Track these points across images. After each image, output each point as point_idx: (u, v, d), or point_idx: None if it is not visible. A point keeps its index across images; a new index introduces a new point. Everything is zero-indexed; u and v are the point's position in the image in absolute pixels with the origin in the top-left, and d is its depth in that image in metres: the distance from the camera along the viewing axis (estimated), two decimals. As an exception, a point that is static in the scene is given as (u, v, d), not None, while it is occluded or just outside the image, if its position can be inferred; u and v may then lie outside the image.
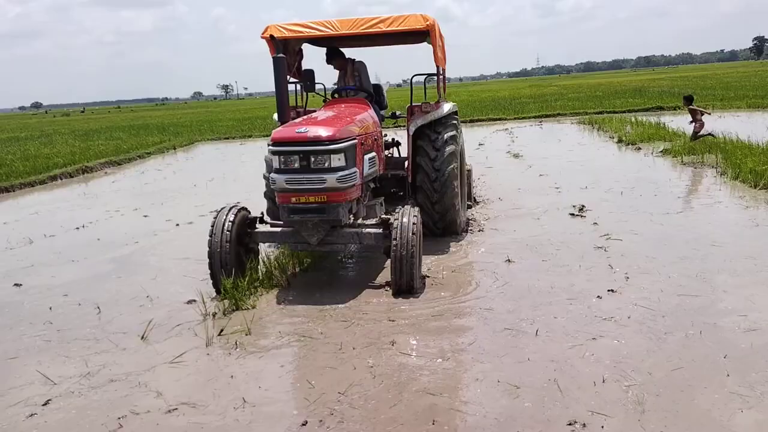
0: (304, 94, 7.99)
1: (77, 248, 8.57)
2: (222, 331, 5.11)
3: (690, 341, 4.46)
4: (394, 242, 5.51)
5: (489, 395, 3.86)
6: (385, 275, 6.29)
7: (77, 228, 9.89)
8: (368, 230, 5.90)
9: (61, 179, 16.55)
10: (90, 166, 18.29)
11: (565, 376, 4.03)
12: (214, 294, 5.99)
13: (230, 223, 5.88)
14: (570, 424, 3.48)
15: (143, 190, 14.14)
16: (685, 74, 71.05)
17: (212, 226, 5.90)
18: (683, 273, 5.92)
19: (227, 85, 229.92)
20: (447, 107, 7.62)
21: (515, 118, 27.15)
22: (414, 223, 5.61)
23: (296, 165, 5.59)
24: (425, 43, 7.88)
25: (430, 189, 7.16)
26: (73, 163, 18.39)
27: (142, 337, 5.12)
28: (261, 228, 6.22)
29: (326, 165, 5.58)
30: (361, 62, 7.77)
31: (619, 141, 16.48)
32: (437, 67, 7.60)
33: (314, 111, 7.17)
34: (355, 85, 7.71)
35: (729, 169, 10.61)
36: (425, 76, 8.17)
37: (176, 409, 3.93)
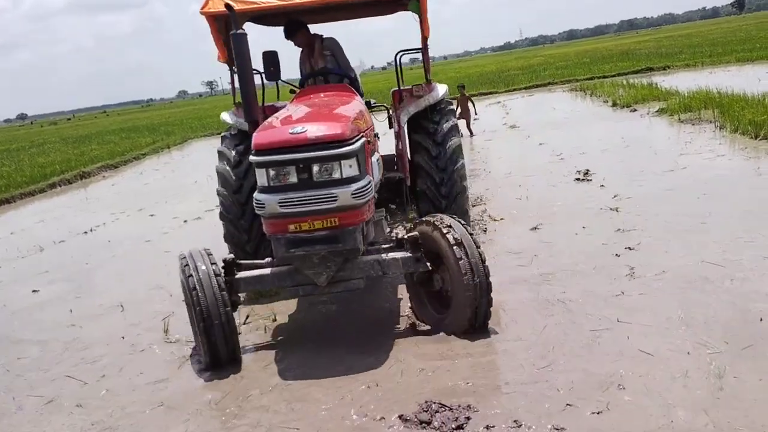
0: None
1: (89, 251, 8.59)
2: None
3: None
4: (462, 267, 4.15)
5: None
6: (389, 299, 5.33)
7: (85, 232, 9.91)
8: (393, 255, 4.48)
9: (60, 186, 16.51)
10: (87, 171, 18.24)
11: None
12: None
13: (218, 278, 4.23)
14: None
15: (144, 190, 14.13)
16: (669, 34, 70.85)
17: (192, 290, 4.14)
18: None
19: (212, 81, 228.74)
20: (441, 89, 6.08)
21: (506, 91, 27.09)
22: (472, 234, 4.36)
23: (293, 179, 4.06)
24: (404, 12, 6.19)
25: (437, 195, 5.66)
26: (70, 169, 18.33)
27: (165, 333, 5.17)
28: (244, 273, 4.53)
29: (335, 175, 4.07)
30: (332, 39, 6.11)
31: (614, 104, 16.51)
32: (424, 40, 5.88)
33: (283, 106, 5.57)
34: (326, 67, 6.04)
35: (728, 123, 10.66)
36: (415, 51, 6.15)
37: None
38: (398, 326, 4.78)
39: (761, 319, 4.01)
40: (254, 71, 5.26)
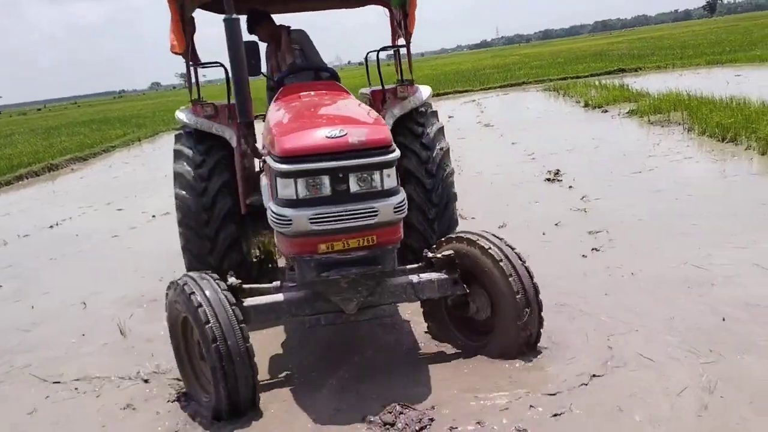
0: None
1: (55, 246, 8.43)
2: None
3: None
4: (514, 285, 3.74)
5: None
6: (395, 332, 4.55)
7: (51, 226, 9.71)
8: (427, 277, 3.96)
9: (28, 178, 16.17)
10: (55, 164, 17.90)
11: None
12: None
13: (234, 308, 3.50)
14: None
15: (113, 183, 13.91)
16: (641, 36, 71.80)
17: (204, 323, 3.39)
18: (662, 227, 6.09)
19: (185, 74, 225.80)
20: (426, 91, 5.63)
21: (481, 89, 27.22)
22: (514, 249, 3.92)
23: (326, 191, 3.48)
24: (382, 5, 5.89)
25: (427, 202, 5.13)
26: (38, 161, 17.96)
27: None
28: (253, 300, 3.77)
29: (376, 187, 3.55)
30: (300, 31, 5.64)
31: (586, 105, 16.68)
32: (408, 36, 5.48)
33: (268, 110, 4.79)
34: (300, 62, 5.54)
35: (696, 125, 10.84)
36: (394, 48, 5.79)
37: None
38: (423, 351, 4.22)
39: (723, 319, 4.11)
40: (218, 64, 5.16)
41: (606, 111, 15.11)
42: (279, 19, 5.93)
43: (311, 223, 3.46)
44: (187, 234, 4.94)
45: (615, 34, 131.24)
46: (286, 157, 3.50)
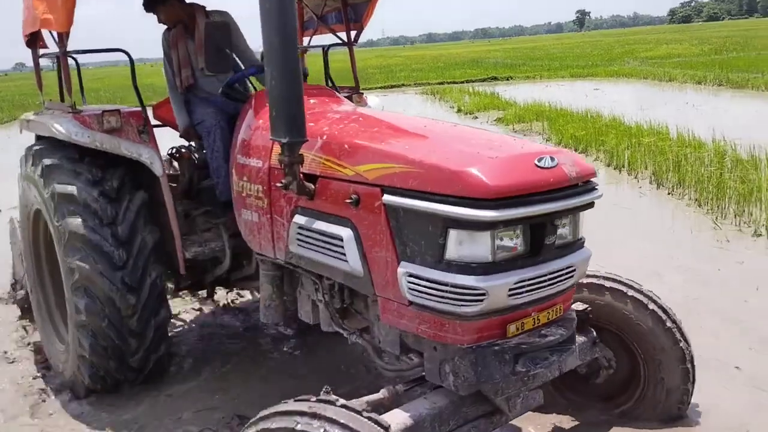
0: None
1: None
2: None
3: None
4: (675, 337, 3.15)
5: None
6: None
7: None
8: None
9: None
10: None
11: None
12: None
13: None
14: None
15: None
16: (516, 46, 75.54)
17: None
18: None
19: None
20: (375, 100, 5.01)
21: (363, 90, 27.46)
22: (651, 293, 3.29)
23: (524, 246, 2.47)
24: None
25: None
26: None
27: None
28: (394, 417, 2.45)
29: (569, 236, 2.66)
30: (224, 12, 4.29)
31: (459, 110, 17.42)
32: (360, 31, 4.74)
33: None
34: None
35: (554, 135, 11.65)
36: (343, 44, 4.84)
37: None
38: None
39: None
40: (122, 51, 4.04)
41: (476, 117, 15.86)
42: None
43: (510, 296, 2.42)
44: (101, 316, 3.49)
45: (493, 42, 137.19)
46: (493, 200, 2.30)
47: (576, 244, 2.68)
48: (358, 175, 2.67)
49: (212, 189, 3.96)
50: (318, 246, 2.89)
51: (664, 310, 3.17)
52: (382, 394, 2.58)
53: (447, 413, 2.55)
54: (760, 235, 6.25)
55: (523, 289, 2.44)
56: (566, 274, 2.59)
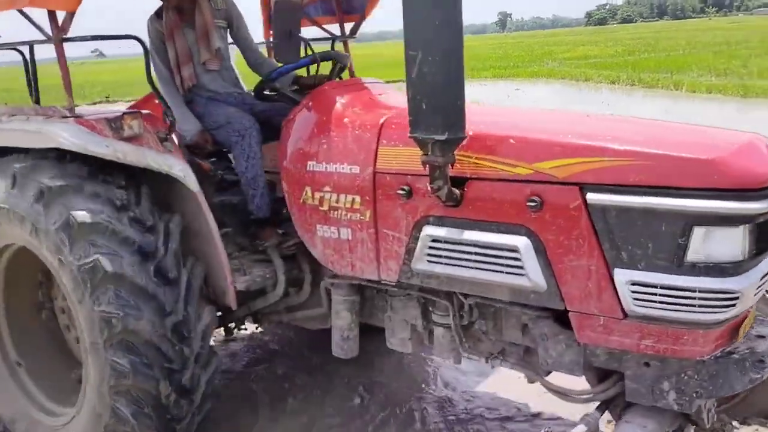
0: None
1: None
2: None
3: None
4: None
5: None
6: None
7: None
8: None
9: None
10: None
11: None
12: None
13: None
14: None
15: None
16: (442, 46, 76.38)
17: None
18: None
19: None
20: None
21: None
22: None
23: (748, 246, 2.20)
24: None
25: None
26: None
27: None
28: None
29: None
30: None
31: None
32: (363, 18, 4.29)
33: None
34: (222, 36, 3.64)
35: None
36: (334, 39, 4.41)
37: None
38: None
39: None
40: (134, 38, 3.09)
41: (401, 117, 15.95)
42: None
43: (755, 294, 2.22)
44: (137, 363, 2.71)
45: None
46: (758, 190, 2.07)
47: None
48: (539, 174, 2.31)
49: (232, 205, 3.38)
50: (470, 260, 2.48)
51: None
52: (580, 429, 2.32)
53: None
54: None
55: (760, 286, 2.22)
56: None
